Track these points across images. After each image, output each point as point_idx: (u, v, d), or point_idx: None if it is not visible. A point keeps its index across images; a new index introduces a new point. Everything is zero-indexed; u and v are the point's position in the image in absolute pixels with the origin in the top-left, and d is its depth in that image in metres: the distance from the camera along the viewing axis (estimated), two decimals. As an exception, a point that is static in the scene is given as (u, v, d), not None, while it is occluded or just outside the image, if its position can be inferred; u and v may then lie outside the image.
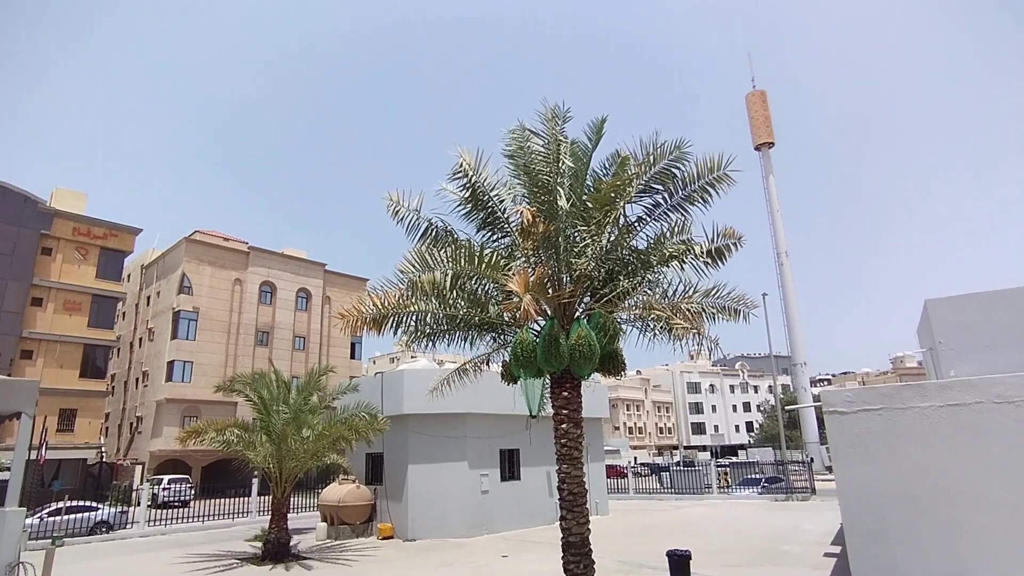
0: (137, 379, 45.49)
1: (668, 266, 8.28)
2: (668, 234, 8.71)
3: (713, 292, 8.90)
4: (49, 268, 35.76)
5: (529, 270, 7.13)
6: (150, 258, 48.29)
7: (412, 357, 41.65)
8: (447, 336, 8.54)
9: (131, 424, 44.69)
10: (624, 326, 8.97)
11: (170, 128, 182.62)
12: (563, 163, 7.59)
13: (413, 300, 7.76)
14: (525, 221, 6.72)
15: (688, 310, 8.41)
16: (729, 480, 32.72)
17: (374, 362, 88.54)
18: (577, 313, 8.37)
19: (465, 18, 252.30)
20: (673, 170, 7.97)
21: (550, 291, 7.54)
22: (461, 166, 7.98)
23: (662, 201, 8.34)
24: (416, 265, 7.39)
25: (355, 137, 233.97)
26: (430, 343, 8.53)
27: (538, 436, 19.98)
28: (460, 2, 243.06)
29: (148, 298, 47.20)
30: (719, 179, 7.86)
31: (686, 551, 9.33)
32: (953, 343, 12.24)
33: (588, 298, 8.62)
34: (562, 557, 7.84)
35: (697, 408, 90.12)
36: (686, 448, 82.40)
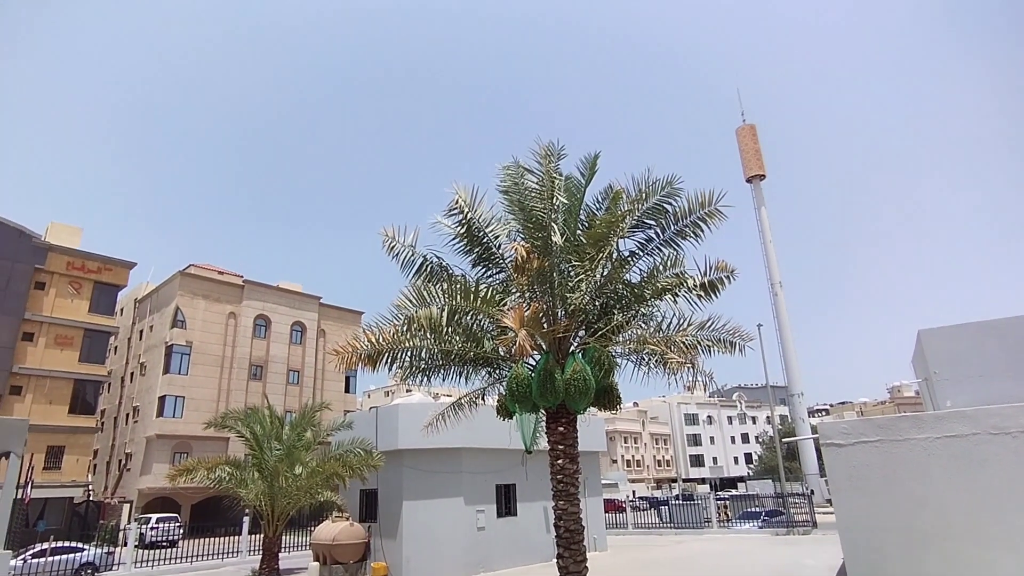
0: (127, 415, 44.85)
1: (662, 299, 8.35)
2: (661, 268, 8.81)
3: (708, 324, 8.95)
4: (42, 302, 35.60)
5: (524, 305, 7.16)
6: (144, 292, 48.15)
7: (407, 391, 41.30)
8: (442, 371, 8.53)
9: (120, 461, 43.87)
10: (619, 360, 8.99)
11: (166, 162, 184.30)
12: (557, 199, 7.72)
13: (408, 336, 7.76)
14: (520, 257, 6.80)
15: (683, 343, 8.45)
16: (729, 514, 32.25)
17: (369, 396, 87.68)
18: (572, 347, 8.39)
19: (459, 51, 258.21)
20: (665, 205, 8.11)
21: (544, 326, 7.58)
22: (457, 202, 8.10)
23: (655, 236, 8.45)
24: (413, 301, 7.43)
25: (353, 170, 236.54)
26: (425, 378, 8.50)
27: (534, 471, 19.74)
28: (453, 36, 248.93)
29: (141, 332, 46.88)
30: (710, 214, 7.99)
31: (686, 589, 9.16)
32: (947, 373, 12.26)
33: (583, 332, 8.66)
34: (560, 597, 7.70)
35: (695, 440, 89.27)
36: (685, 481, 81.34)
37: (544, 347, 7.91)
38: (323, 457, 15.31)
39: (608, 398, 8.00)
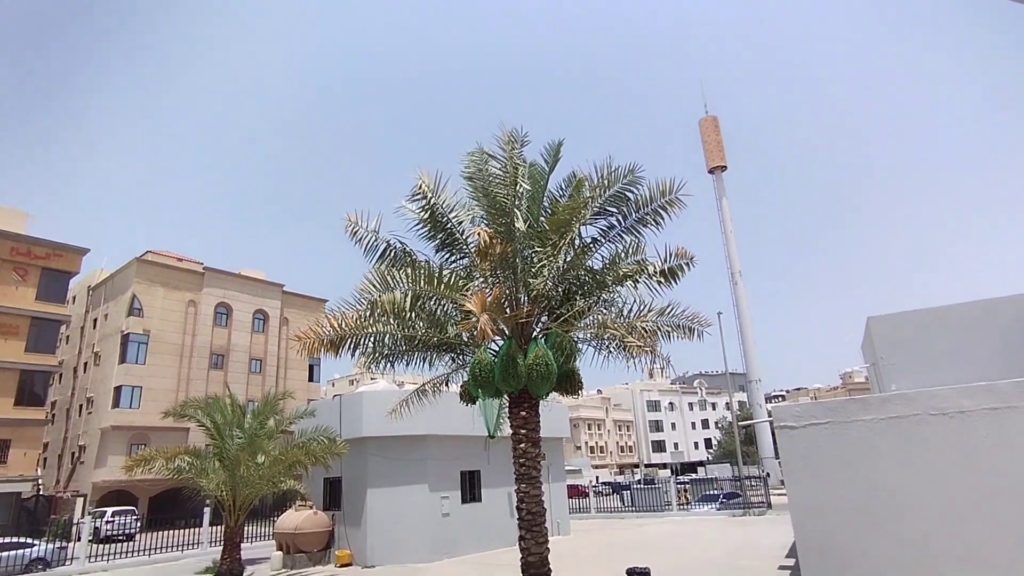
0: (81, 406, 43.35)
1: (623, 286, 8.49)
2: (623, 255, 8.96)
3: (668, 311, 9.16)
4: (-17, 290, 34.01)
5: (486, 290, 7.21)
6: (98, 279, 46.44)
7: (372, 379, 40.95)
8: (406, 357, 8.52)
9: (73, 454, 42.45)
10: (581, 345, 9.13)
11: (124, 146, 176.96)
12: (520, 186, 7.77)
13: (372, 321, 7.74)
14: (483, 242, 6.84)
15: (643, 328, 8.62)
16: (689, 497, 33.15)
17: (333, 384, 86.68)
18: (535, 333, 8.49)
19: (426, 42, 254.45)
20: (627, 193, 8.24)
21: (508, 311, 7.64)
22: (420, 187, 8.07)
23: (616, 223, 8.59)
24: (377, 285, 7.39)
25: (315, 156, 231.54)
26: (389, 364, 8.49)
27: (498, 457, 19.90)
28: (420, 29, 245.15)
29: (95, 321, 45.25)
30: (671, 202, 8.16)
31: (646, 569, 9.43)
32: (894, 358, 12.81)
33: (546, 318, 8.76)
34: (521, 578, 7.84)
35: (657, 426, 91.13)
36: (647, 466, 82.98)
37: (507, 332, 7.99)
38: (286, 445, 15.13)
39: (570, 383, 8.14)
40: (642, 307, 9.04)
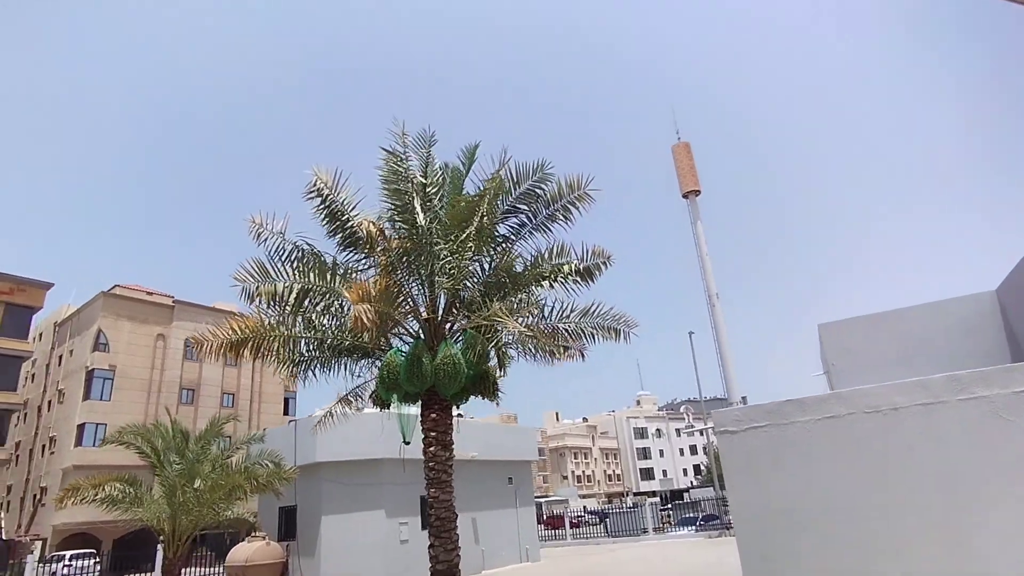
0: (43, 446, 42.04)
1: (540, 285, 8.39)
2: (546, 255, 8.88)
3: (592, 311, 9.04)
4: (-57, 326, 33.26)
5: (376, 281, 7.05)
6: (64, 315, 45.61)
7: (357, 409, 40.23)
8: (319, 364, 8.29)
9: (35, 496, 40.98)
10: (511, 349, 8.98)
11: (91, 178, 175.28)
12: (416, 179, 7.69)
13: (279, 323, 7.53)
14: (366, 234, 6.70)
15: (565, 330, 8.49)
16: (671, 521, 32.62)
17: (311, 417, 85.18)
18: (456, 336, 8.33)
19: (408, 56, 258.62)
20: (537, 191, 8.19)
21: (424, 312, 7.48)
22: (315, 184, 7.94)
23: (528, 220, 8.53)
24: (255, 275, 7.16)
25: (282, 192, 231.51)
26: (308, 372, 8.25)
27: (461, 482, 19.37)
28: (406, 45, 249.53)
29: (60, 358, 44.27)
30: (580, 198, 8.13)
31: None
32: (844, 364, 12.76)
33: (464, 320, 8.60)
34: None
35: (645, 454, 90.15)
36: (636, 494, 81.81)
37: (420, 333, 7.81)
38: (224, 470, 14.63)
39: (484, 386, 7.94)
40: (564, 308, 8.93)
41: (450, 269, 7.60)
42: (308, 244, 8.02)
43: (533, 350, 9.03)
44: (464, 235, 7.51)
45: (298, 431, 18.93)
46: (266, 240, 7.97)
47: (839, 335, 13.18)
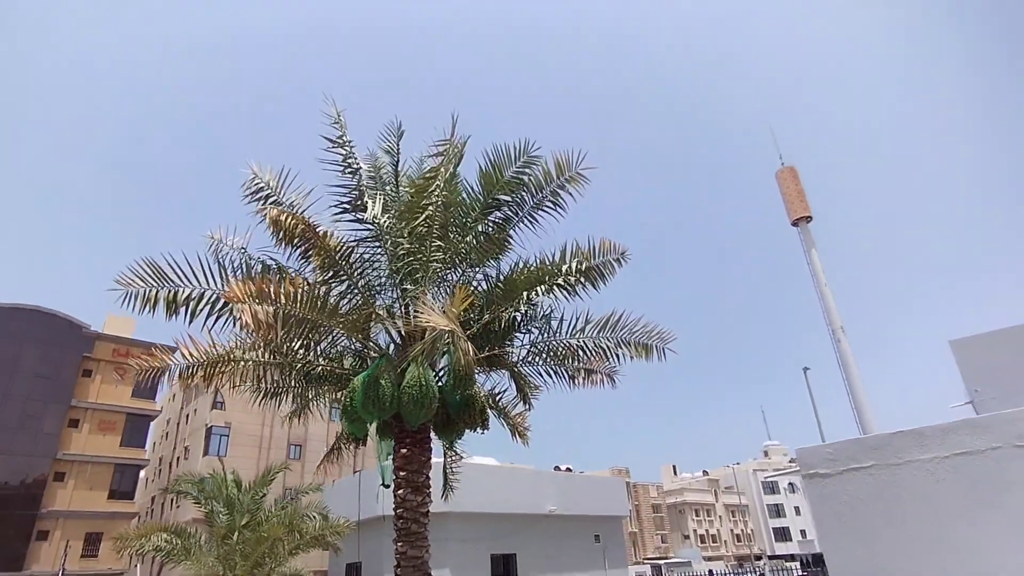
0: (172, 499, 45.09)
1: (536, 292, 6.96)
2: (548, 257, 7.50)
3: (613, 322, 7.44)
4: (88, 389, 37.05)
5: (295, 280, 6.00)
6: (193, 377, 49.61)
7: (463, 454, 39.59)
8: (291, 392, 7.36)
9: (164, 548, 43.72)
10: (523, 368, 7.61)
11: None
12: (365, 171, 6.70)
13: (238, 346, 6.74)
14: (271, 223, 5.73)
15: (580, 347, 6.99)
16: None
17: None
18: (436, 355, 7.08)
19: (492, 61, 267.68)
20: (522, 177, 6.92)
21: (375, 317, 6.35)
22: (254, 183, 7.14)
23: (513, 214, 7.21)
24: (147, 276, 6.25)
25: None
26: (276, 400, 7.37)
27: (539, 539, 17.65)
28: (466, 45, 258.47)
29: (187, 416, 47.95)
30: (571, 179, 6.73)
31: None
32: (990, 390, 10.03)
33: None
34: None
35: (777, 511, 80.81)
36: (771, 558, 73.10)
37: (386, 350, 6.67)
38: (264, 523, 14.02)
39: (470, 414, 6.54)
40: (576, 320, 7.43)
41: (413, 271, 6.44)
42: (273, 260, 7.28)
43: (543, 373, 7.55)
44: (421, 227, 6.33)
45: (363, 482, 18.25)
46: (226, 255, 7.32)
47: (978, 353, 10.37)
